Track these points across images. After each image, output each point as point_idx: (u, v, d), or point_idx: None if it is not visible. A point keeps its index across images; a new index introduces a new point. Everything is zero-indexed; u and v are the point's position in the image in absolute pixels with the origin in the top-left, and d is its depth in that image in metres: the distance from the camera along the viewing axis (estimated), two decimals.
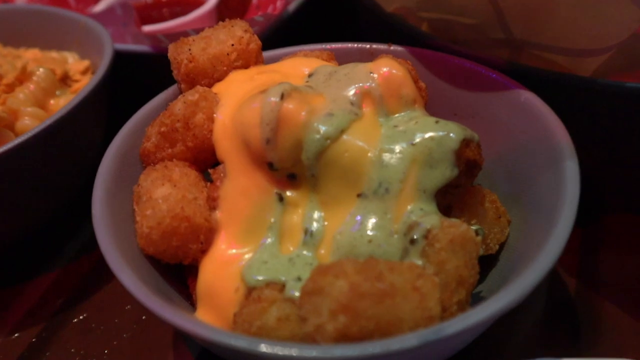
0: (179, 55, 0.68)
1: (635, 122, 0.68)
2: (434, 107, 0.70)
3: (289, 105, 0.59)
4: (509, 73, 0.70)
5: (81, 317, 0.75)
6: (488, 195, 0.64)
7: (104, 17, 0.95)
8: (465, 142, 0.60)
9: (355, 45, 0.77)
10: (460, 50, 0.73)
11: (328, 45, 0.77)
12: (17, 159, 0.70)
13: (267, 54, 0.75)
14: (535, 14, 0.66)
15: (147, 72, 0.85)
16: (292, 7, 0.92)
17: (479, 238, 0.59)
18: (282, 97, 0.59)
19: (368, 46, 0.76)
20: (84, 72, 0.85)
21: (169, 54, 0.69)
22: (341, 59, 0.74)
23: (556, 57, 0.69)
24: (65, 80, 0.84)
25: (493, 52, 0.72)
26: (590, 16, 0.63)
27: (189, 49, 0.68)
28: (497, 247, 0.63)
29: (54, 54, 0.88)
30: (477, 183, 0.65)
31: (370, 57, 0.75)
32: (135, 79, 0.86)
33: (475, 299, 0.59)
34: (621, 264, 0.74)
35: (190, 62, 0.68)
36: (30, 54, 0.89)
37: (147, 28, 1.00)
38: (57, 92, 0.82)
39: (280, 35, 0.89)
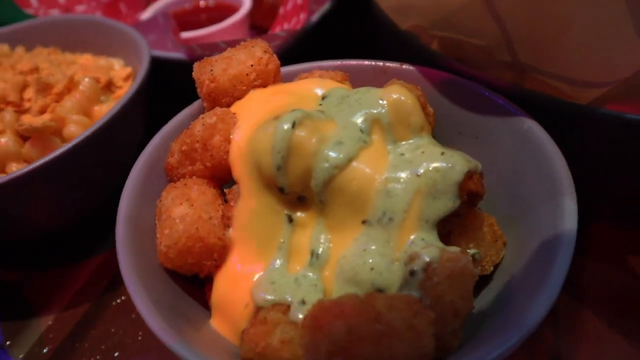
0: (202, 75, 0.57)
1: (628, 148, 0.56)
2: (442, 125, 0.59)
3: (300, 134, 0.49)
4: (512, 96, 0.57)
5: (119, 301, 0.67)
6: (486, 219, 0.53)
7: (149, 25, 0.83)
8: (469, 175, 0.49)
9: (367, 62, 0.64)
10: (468, 71, 0.61)
11: (341, 62, 0.64)
12: (68, 161, 0.61)
13: (284, 69, 0.63)
14: (543, 41, 0.53)
15: (182, 78, 0.75)
16: (314, 18, 0.79)
17: (477, 270, 0.50)
18: (294, 125, 0.49)
19: (381, 64, 0.63)
20: (126, 79, 0.73)
21: (193, 74, 0.58)
22: (355, 76, 0.62)
23: (559, 84, 0.56)
24: (109, 86, 0.73)
25: (498, 73, 0.59)
26: (598, 50, 0.50)
27: (211, 70, 0.57)
28: (492, 268, 0.52)
29: (102, 61, 0.77)
30: None
31: (383, 74, 0.63)
32: (172, 83, 0.76)
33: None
34: (603, 274, 0.62)
35: (212, 82, 0.57)
36: (83, 59, 0.78)
37: (184, 35, 0.88)
38: (102, 99, 0.71)
39: (301, 47, 0.77)
